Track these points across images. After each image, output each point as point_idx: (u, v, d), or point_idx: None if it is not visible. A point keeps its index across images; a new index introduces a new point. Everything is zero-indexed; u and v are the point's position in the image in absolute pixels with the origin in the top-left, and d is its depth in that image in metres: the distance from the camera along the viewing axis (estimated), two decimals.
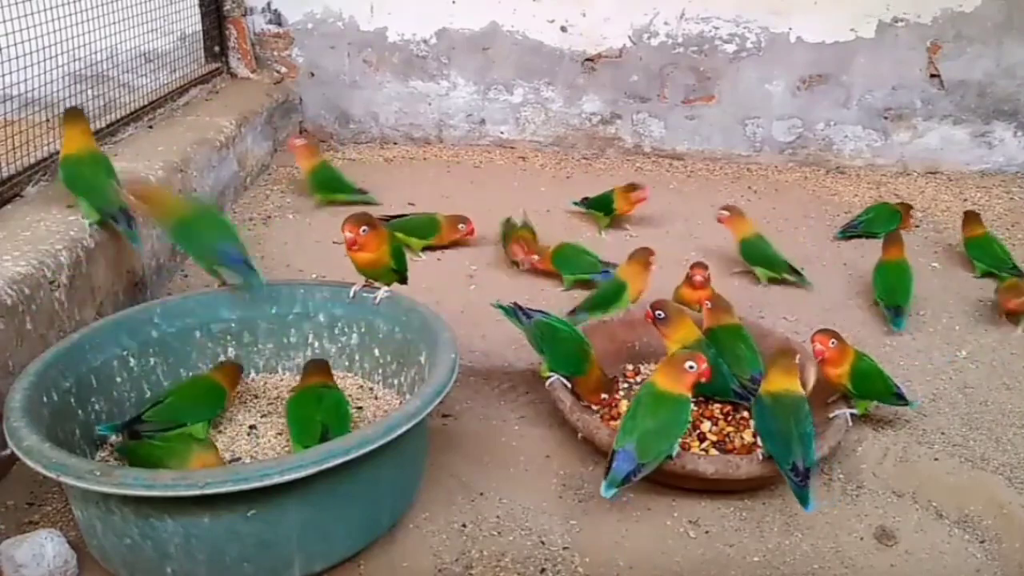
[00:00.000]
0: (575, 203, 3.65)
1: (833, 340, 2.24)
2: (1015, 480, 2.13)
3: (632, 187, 3.48)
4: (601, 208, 3.54)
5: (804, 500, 1.91)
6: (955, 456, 2.22)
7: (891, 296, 2.91)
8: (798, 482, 1.91)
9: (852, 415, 2.20)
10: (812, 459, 1.95)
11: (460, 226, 3.32)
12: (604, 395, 2.33)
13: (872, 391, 2.26)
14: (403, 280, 2.36)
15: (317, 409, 2.05)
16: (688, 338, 2.26)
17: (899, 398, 2.28)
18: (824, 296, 3.06)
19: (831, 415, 2.17)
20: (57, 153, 2.85)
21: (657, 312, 2.28)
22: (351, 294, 2.32)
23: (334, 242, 3.27)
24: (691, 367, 1.99)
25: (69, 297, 2.32)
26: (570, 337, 2.31)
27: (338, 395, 2.13)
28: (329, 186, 3.69)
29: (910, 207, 3.65)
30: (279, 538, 1.69)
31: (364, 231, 2.20)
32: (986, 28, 4.06)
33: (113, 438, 2.07)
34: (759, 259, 3.14)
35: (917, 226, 3.64)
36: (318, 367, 2.20)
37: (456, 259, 3.28)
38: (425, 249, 3.30)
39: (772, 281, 3.13)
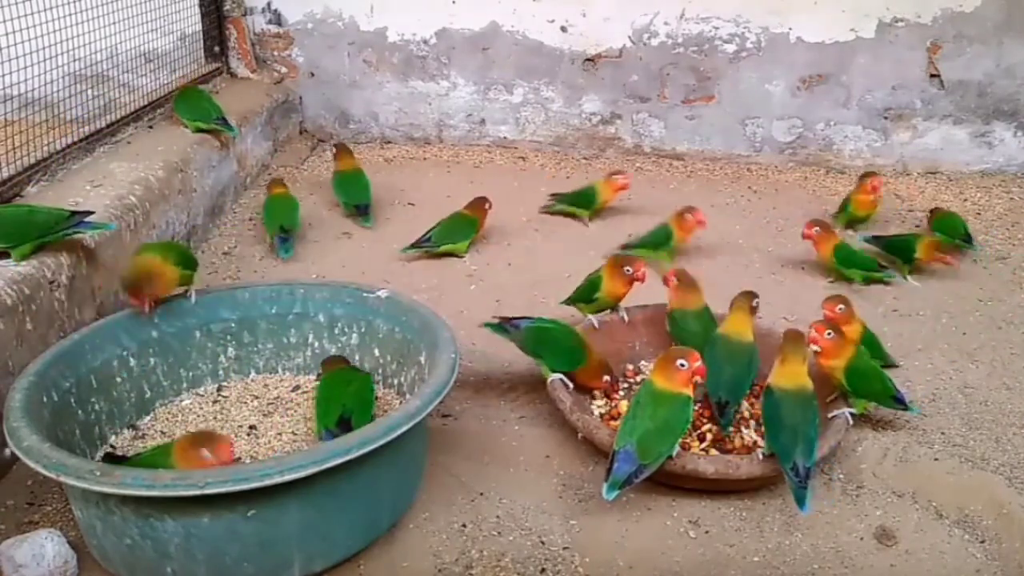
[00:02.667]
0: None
1: (829, 331, 2.23)
2: (1015, 480, 2.13)
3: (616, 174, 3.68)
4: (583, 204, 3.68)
5: (801, 501, 1.91)
6: (955, 456, 2.22)
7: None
8: (798, 483, 1.91)
9: (852, 415, 2.20)
10: (813, 460, 1.95)
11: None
12: (606, 377, 2.33)
13: (868, 391, 2.25)
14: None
15: (344, 392, 2.07)
16: (691, 304, 2.45)
17: (897, 402, 2.27)
18: (824, 296, 3.05)
19: (831, 415, 2.17)
20: (56, 153, 2.86)
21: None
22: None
23: (336, 239, 3.27)
24: (682, 365, 2.00)
25: (69, 297, 2.32)
26: (562, 332, 2.33)
27: (365, 379, 2.16)
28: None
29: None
30: (279, 538, 1.69)
31: None
32: (986, 28, 4.05)
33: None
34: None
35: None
36: (336, 359, 2.27)
37: (456, 259, 3.27)
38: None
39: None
